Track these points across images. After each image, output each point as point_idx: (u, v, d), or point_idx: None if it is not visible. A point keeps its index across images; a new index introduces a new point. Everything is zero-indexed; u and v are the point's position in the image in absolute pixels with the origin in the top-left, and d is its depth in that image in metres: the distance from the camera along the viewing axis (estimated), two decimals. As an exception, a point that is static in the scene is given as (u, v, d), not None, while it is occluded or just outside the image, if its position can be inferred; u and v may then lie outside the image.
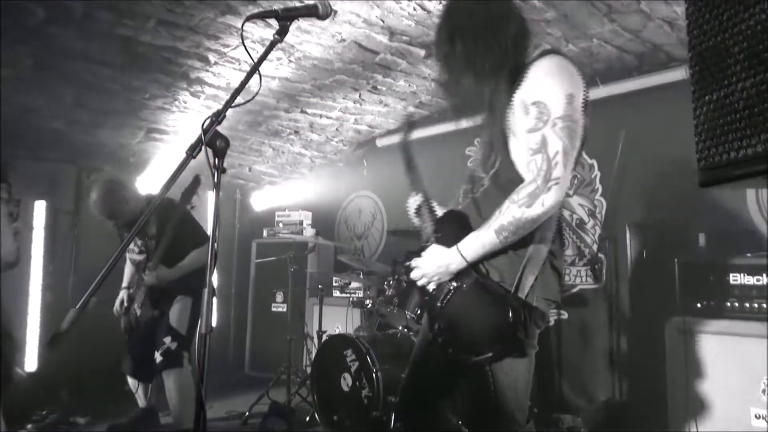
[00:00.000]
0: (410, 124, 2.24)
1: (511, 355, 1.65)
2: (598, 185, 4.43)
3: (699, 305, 3.02)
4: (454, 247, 1.69)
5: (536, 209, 1.56)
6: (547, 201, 1.55)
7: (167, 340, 3.40)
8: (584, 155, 4.54)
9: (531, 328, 1.67)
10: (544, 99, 1.59)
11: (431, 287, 1.78)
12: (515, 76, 1.68)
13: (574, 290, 4.46)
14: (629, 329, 3.79)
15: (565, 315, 4.47)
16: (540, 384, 4.01)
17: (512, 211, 1.58)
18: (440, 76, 1.87)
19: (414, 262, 1.82)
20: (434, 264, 1.73)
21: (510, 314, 1.57)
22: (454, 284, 1.72)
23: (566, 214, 4.58)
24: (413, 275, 1.82)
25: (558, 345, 4.40)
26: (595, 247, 4.38)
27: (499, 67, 1.70)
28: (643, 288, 3.88)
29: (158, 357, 3.37)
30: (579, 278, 4.44)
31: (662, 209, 3.98)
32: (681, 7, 3.36)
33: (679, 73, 3.90)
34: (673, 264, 3.22)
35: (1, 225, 1.64)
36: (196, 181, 3.29)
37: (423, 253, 1.80)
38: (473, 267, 1.69)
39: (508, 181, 1.68)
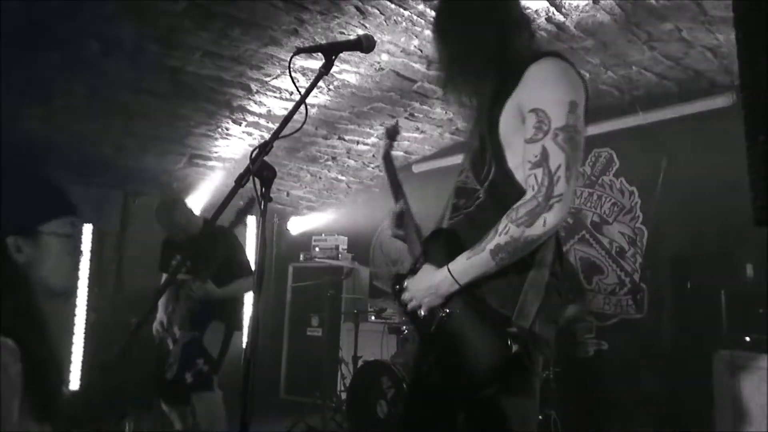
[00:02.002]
0: (393, 131, 2.13)
1: (516, 392, 1.47)
2: (639, 213, 4.35)
3: (748, 339, 2.92)
4: (445, 267, 1.51)
5: (537, 229, 1.39)
6: (549, 220, 1.39)
7: (200, 361, 3.44)
8: (624, 182, 4.48)
9: (536, 358, 1.50)
10: (544, 106, 1.42)
11: (422, 312, 1.58)
12: (509, 76, 1.51)
13: (615, 320, 4.36)
14: (673, 362, 3.67)
15: (605, 345, 4.36)
16: (578, 417, 3.91)
17: (511, 231, 1.40)
18: (439, 81, 1.72)
19: (405, 283, 1.65)
20: (423, 286, 1.55)
21: (513, 344, 1.39)
22: (446, 310, 1.53)
23: (605, 242, 4.51)
24: (403, 298, 1.63)
25: (598, 376, 4.29)
26: (636, 276, 4.29)
27: (488, 62, 1.56)
28: (688, 319, 3.77)
29: (189, 377, 3.38)
30: (620, 308, 4.35)
31: (706, 238, 3.88)
32: (723, 35, 3.32)
33: (722, 100, 3.84)
34: (719, 295, 3.13)
35: (67, 260, 1.71)
36: (251, 202, 3.36)
37: (414, 275, 1.63)
38: (467, 290, 1.50)
39: (505, 193, 1.49)
